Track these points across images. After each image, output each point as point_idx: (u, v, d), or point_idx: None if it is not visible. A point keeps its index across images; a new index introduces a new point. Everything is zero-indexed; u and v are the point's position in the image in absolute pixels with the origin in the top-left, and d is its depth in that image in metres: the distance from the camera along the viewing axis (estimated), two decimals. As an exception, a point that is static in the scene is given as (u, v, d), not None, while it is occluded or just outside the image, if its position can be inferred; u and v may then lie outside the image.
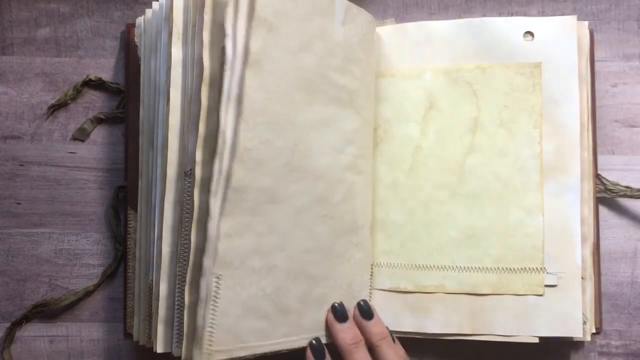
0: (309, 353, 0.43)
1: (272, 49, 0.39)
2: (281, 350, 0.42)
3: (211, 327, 0.39)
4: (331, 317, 0.44)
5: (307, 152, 0.42)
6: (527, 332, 0.44)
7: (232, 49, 0.38)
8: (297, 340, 0.43)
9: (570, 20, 0.46)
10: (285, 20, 0.40)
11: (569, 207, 0.45)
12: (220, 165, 0.39)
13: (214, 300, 0.39)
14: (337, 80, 0.43)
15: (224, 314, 0.39)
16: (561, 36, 0.46)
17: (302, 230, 0.42)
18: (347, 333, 0.43)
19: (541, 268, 0.44)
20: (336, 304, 0.44)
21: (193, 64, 0.41)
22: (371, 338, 0.43)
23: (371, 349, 0.43)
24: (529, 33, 0.46)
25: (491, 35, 0.46)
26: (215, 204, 0.39)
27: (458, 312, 0.45)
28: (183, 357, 0.40)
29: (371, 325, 0.44)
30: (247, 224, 0.40)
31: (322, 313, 0.44)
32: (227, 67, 0.38)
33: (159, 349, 0.41)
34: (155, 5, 0.44)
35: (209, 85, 0.39)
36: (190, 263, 0.39)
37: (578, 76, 0.46)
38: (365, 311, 0.44)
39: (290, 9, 0.40)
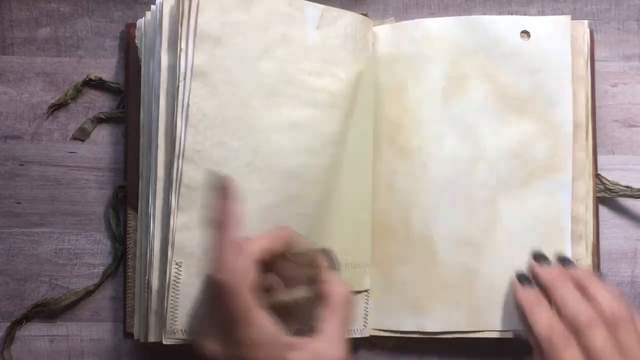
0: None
1: (221, 60, 0.42)
2: None
3: (174, 308, 0.42)
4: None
5: (272, 153, 0.44)
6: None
7: (185, 62, 0.42)
8: None
9: (564, 20, 0.46)
10: (237, 32, 0.42)
11: (560, 205, 0.46)
12: (178, 165, 0.42)
13: (175, 284, 0.42)
14: (313, 83, 0.44)
15: (186, 297, 0.42)
16: (555, 36, 0.46)
17: (271, 227, 0.43)
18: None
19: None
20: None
21: (178, 71, 0.42)
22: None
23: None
24: (526, 32, 0.46)
25: (489, 33, 0.47)
26: (173, 200, 0.42)
27: (457, 310, 0.45)
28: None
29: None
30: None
31: None
32: (181, 79, 0.42)
33: (150, 338, 0.43)
34: (152, 8, 0.45)
35: None
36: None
37: (575, 76, 0.46)
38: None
39: (244, 20, 0.43)
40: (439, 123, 0.46)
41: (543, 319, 0.40)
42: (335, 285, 0.38)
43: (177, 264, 0.43)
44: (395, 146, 0.47)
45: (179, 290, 0.42)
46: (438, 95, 0.47)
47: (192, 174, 0.42)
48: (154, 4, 0.45)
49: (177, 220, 0.43)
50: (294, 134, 0.44)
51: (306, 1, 0.45)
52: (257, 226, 0.42)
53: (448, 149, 0.46)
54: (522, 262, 0.45)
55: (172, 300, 0.42)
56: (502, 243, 0.46)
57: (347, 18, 0.45)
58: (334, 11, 0.45)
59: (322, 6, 0.45)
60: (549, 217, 0.46)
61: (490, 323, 0.45)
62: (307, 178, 0.44)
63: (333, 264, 0.39)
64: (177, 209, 0.42)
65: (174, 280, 0.42)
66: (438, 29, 0.47)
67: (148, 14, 0.46)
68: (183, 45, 0.42)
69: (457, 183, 0.46)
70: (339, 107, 0.45)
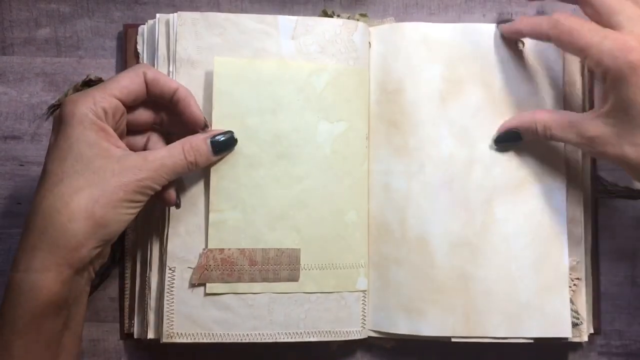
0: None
1: (199, 80, 0.45)
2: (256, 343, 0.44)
3: (170, 312, 0.44)
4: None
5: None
6: (519, 333, 0.45)
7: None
8: (270, 334, 0.44)
9: None
10: (212, 53, 0.45)
11: (556, 207, 0.46)
12: None
13: (170, 289, 0.44)
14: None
15: (181, 301, 0.44)
16: (549, 44, 0.46)
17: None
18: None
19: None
20: None
21: None
22: None
23: None
24: (521, 40, 0.47)
25: (485, 40, 0.47)
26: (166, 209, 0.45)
27: (452, 314, 0.45)
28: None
29: None
30: (199, 225, 0.45)
31: (293, 309, 0.45)
32: None
33: (150, 334, 0.45)
34: (150, 22, 0.47)
35: None
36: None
37: (568, 83, 0.47)
38: None
39: (217, 42, 0.46)
40: (436, 125, 0.46)
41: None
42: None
43: (170, 269, 0.44)
44: (392, 146, 0.47)
45: (173, 294, 0.44)
46: (435, 97, 0.47)
47: (181, 178, 0.44)
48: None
49: (169, 227, 0.44)
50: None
51: (281, 16, 0.46)
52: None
53: (445, 150, 0.46)
54: (520, 267, 0.45)
55: (168, 304, 0.44)
56: (499, 246, 0.46)
57: (324, 25, 0.47)
58: (309, 20, 0.46)
59: (295, 17, 0.46)
60: (545, 220, 0.46)
61: (485, 329, 0.45)
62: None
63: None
64: (169, 216, 0.45)
65: (169, 285, 0.44)
66: (436, 33, 0.47)
67: (150, 22, 0.47)
68: (171, 69, 0.45)
69: (453, 185, 0.46)
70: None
